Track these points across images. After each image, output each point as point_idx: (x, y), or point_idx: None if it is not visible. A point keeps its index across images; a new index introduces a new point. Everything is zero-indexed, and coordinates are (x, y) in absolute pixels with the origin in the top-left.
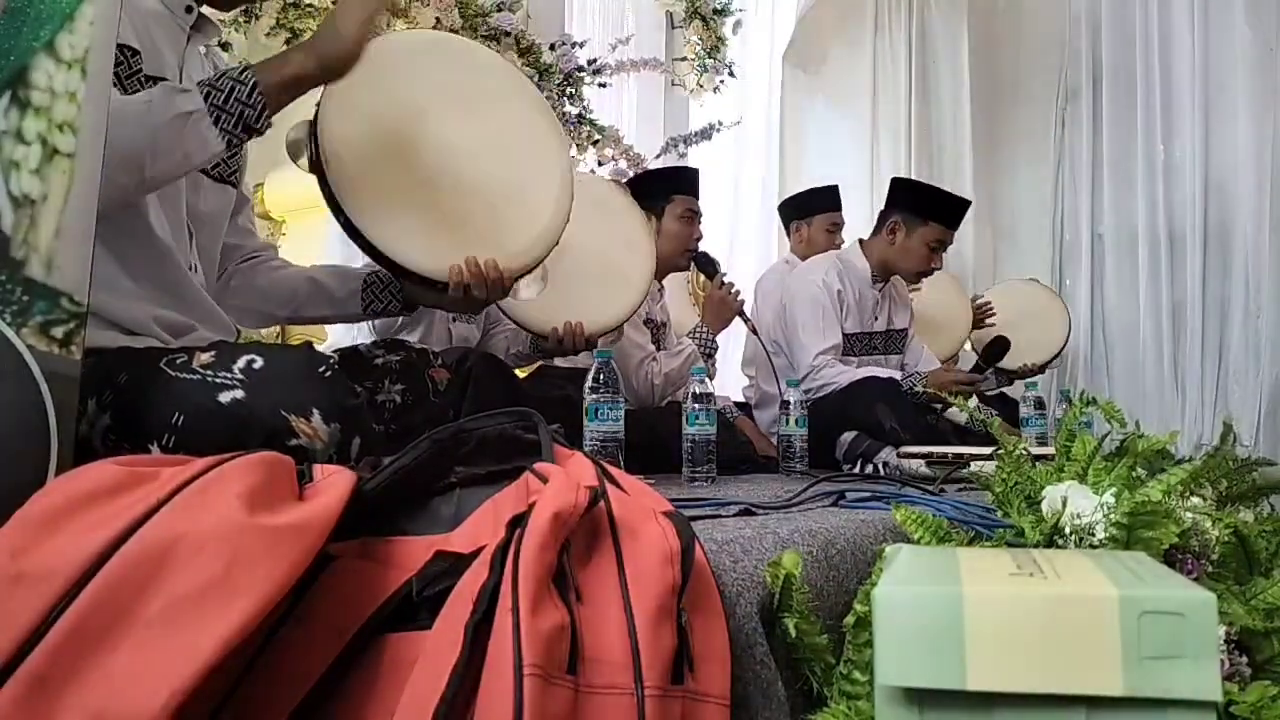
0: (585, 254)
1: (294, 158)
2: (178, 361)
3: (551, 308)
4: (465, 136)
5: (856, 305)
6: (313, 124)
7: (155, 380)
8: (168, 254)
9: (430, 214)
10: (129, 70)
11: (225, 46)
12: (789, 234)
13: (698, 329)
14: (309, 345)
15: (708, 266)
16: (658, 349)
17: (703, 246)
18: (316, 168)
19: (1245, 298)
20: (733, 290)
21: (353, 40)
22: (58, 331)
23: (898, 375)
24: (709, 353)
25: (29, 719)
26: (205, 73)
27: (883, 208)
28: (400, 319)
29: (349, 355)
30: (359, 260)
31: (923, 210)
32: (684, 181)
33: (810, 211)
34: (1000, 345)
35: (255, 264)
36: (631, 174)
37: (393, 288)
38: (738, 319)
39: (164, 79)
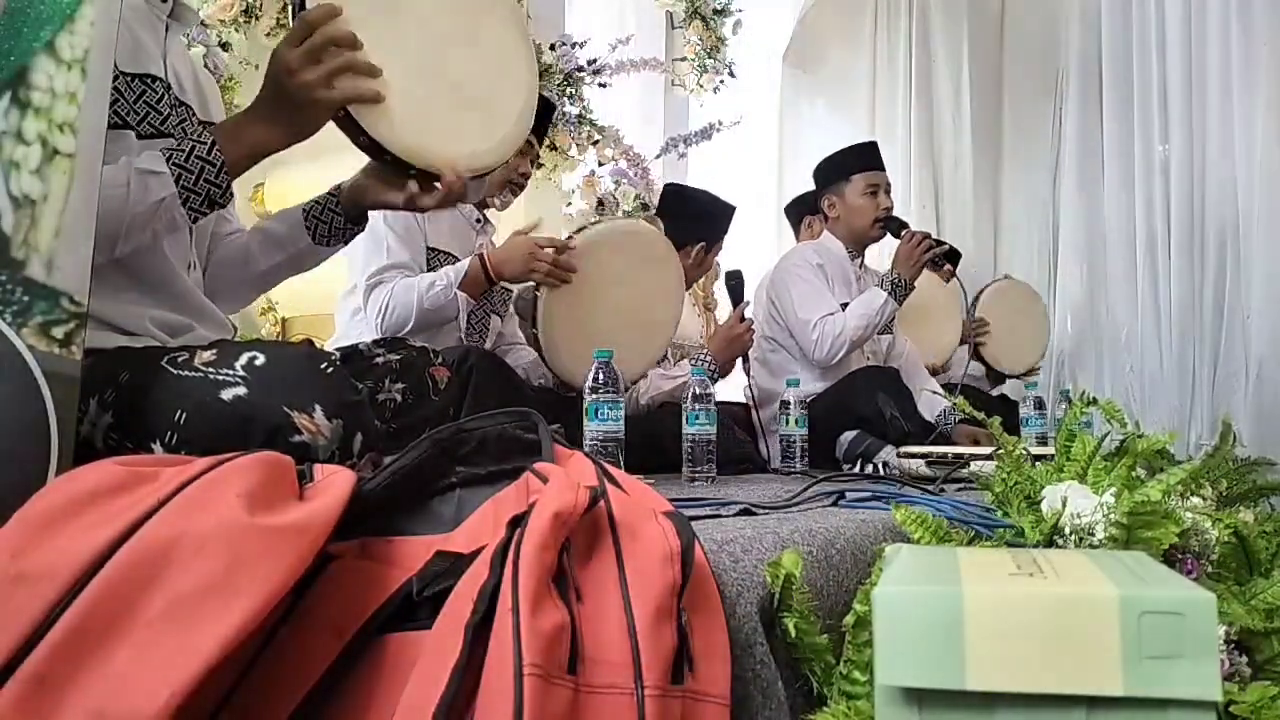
0: (630, 306)
1: None
2: (179, 360)
3: (587, 356)
4: (443, 32)
5: (841, 279)
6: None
7: (157, 378)
8: (165, 255)
9: (410, 99)
10: None
11: (225, 46)
12: (799, 231)
13: (702, 354)
14: (309, 342)
15: (736, 290)
16: None
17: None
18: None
19: (1240, 298)
20: (750, 330)
21: (325, 109)
22: (58, 332)
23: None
24: (713, 379)
25: (29, 719)
26: (186, 63)
27: (814, 202)
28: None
29: (349, 354)
30: (362, 256)
31: (838, 174)
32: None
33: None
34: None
35: (217, 245)
36: (632, 174)
37: (330, 203)
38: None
39: (148, 74)
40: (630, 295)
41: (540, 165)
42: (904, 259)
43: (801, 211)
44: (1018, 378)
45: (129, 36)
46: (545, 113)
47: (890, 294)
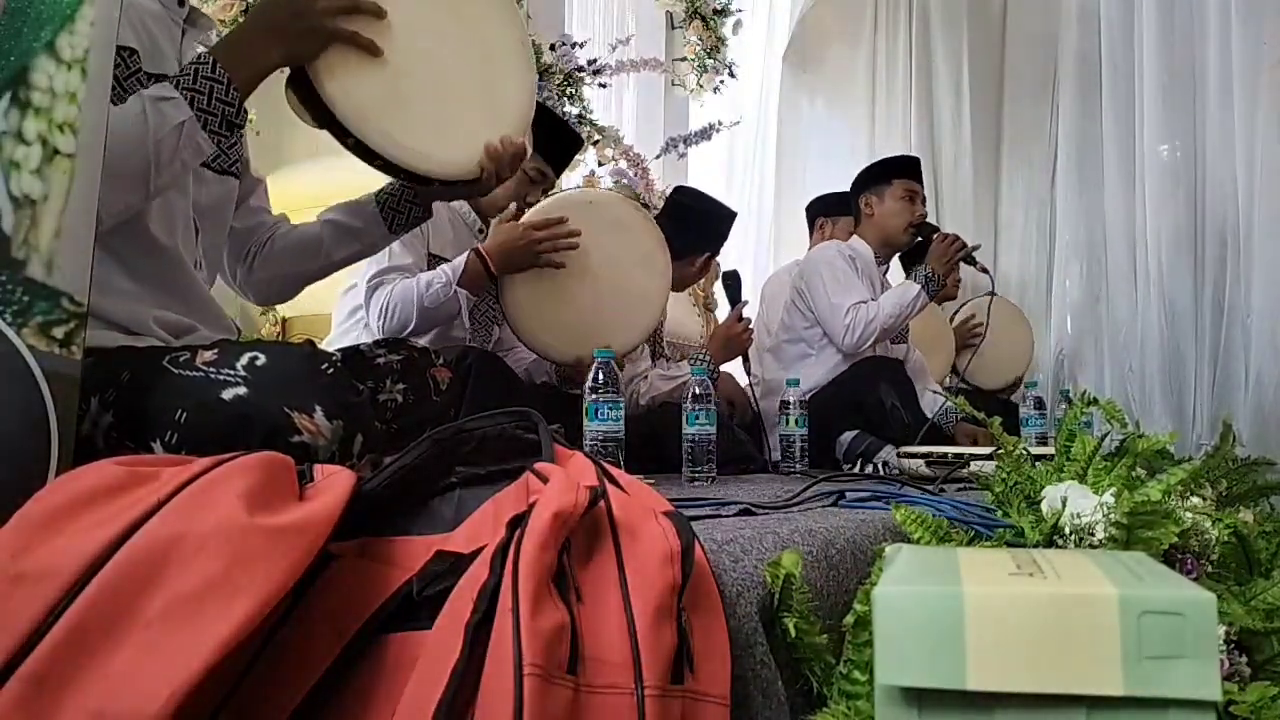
0: (604, 276)
1: (294, 108)
2: (180, 359)
3: (573, 333)
4: (447, 41)
5: (868, 280)
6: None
7: (158, 378)
8: (169, 253)
9: (440, 116)
10: (127, 71)
11: None
12: (813, 231)
13: (701, 354)
14: (311, 343)
15: (734, 290)
16: (653, 350)
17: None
18: (319, 110)
19: (1240, 298)
20: (749, 330)
21: (327, 35)
22: (58, 332)
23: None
24: (712, 378)
25: (29, 719)
26: None
27: (851, 201)
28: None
29: (350, 355)
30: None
31: (880, 177)
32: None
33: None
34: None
35: (272, 238)
36: (632, 174)
37: (407, 194)
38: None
39: (165, 75)
40: (597, 263)
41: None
42: (938, 256)
43: (817, 213)
44: (993, 393)
45: (147, 38)
46: (571, 146)
47: (923, 287)
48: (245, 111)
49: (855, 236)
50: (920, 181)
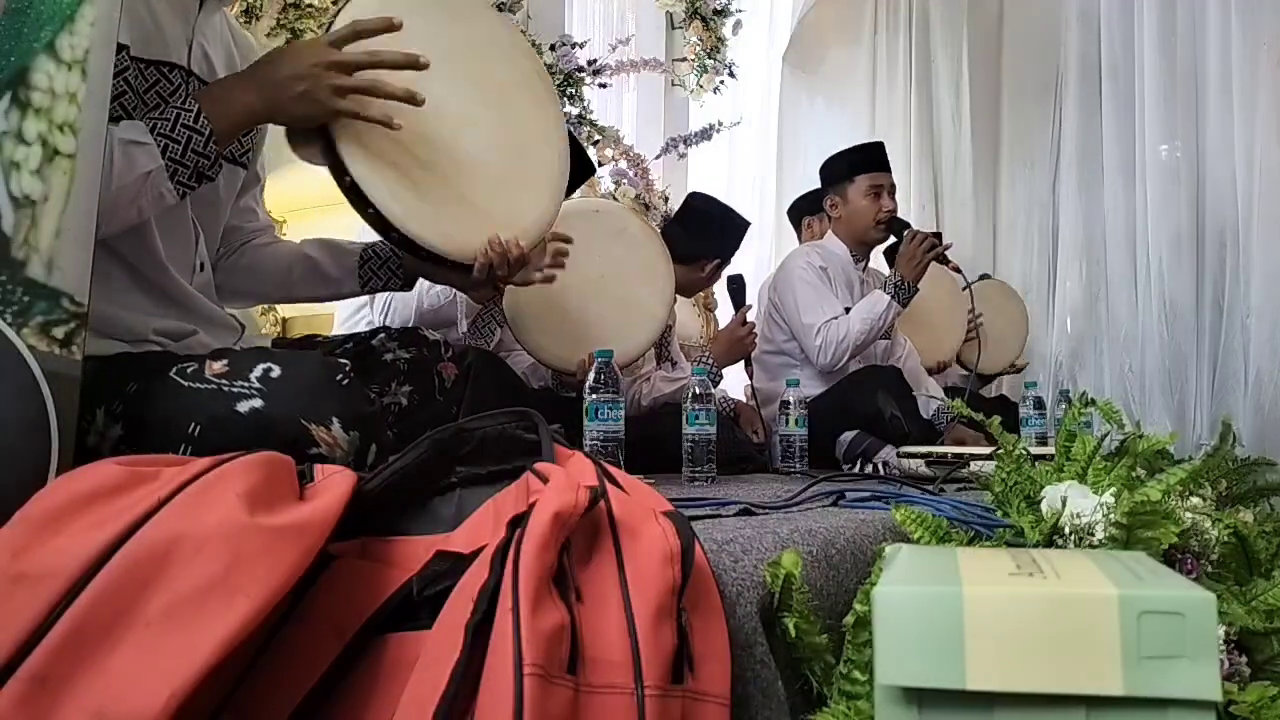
0: (605, 286)
1: (298, 151)
2: (189, 370)
3: (573, 343)
4: (465, 104)
5: (844, 282)
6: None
7: (167, 390)
8: (167, 268)
9: (447, 194)
10: (114, 68)
11: None
12: (801, 232)
13: (704, 355)
14: (317, 345)
15: (738, 293)
16: (660, 352)
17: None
18: (333, 161)
19: (1239, 298)
20: (752, 333)
21: (327, 112)
22: (58, 332)
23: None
24: (714, 380)
25: (29, 719)
26: (221, 42)
27: (815, 202)
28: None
29: (360, 351)
30: None
31: (842, 173)
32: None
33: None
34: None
35: (245, 247)
36: (632, 174)
37: (391, 263)
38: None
39: (166, 62)
40: (599, 272)
41: None
42: (906, 260)
43: (803, 212)
44: (992, 378)
45: (149, 20)
46: (583, 172)
47: (893, 296)
48: (220, 164)
49: (830, 235)
50: (886, 170)
